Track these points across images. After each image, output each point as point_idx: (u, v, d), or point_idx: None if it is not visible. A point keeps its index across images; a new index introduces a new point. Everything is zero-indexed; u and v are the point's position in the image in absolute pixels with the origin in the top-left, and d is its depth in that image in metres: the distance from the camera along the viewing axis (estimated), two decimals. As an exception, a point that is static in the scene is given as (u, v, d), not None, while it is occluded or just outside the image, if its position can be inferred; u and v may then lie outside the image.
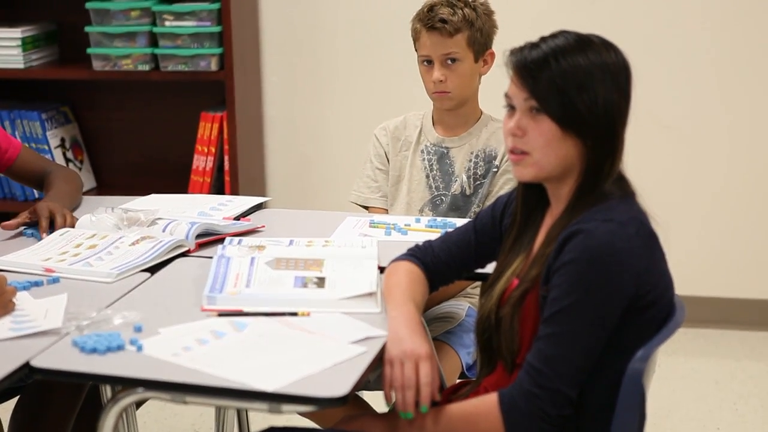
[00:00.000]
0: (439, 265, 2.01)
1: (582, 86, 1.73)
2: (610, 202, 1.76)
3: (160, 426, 3.30)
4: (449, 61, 2.67)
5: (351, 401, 1.69)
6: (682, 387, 3.53)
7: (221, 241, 2.32)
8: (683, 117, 3.88)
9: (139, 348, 1.77)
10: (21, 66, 3.83)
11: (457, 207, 2.70)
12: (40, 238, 2.36)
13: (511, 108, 1.81)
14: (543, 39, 1.79)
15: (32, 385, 2.42)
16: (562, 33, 1.79)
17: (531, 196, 1.89)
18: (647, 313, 1.74)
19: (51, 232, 2.37)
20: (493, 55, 2.72)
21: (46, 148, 3.92)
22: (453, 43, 2.65)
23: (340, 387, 1.64)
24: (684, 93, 3.87)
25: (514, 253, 1.89)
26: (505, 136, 1.82)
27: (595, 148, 1.76)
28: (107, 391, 1.86)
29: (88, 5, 3.76)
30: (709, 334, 3.91)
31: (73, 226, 2.40)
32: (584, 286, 1.69)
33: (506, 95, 1.81)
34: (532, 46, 1.78)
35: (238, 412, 2.71)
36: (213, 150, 3.81)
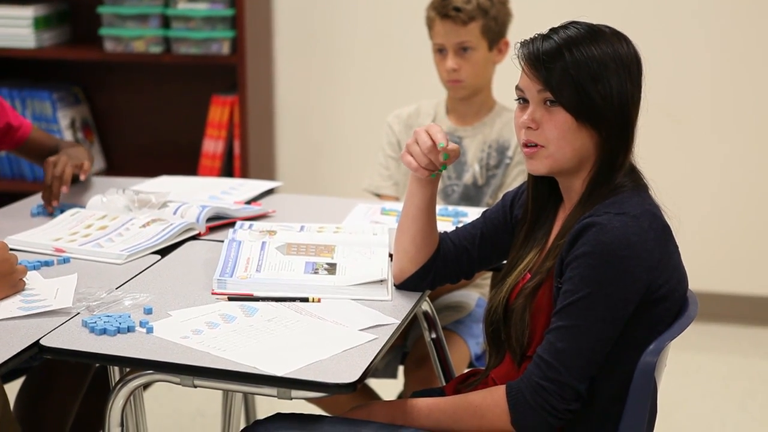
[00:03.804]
0: (450, 254, 1.99)
1: (596, 76, 1.72)
2: (623, 194, 1.75)
3: (165, 409, 3.30)
4: (463, 50, 2.66)
5: (360, 391, 1.68)
6: (690, 383, 3.52)
7: (232, 224, 2.31)
8: (691, 110, 3.86)
9: (150, 330, 1.76)
10: (33, 45, 3.83)
11: (469, 197, 2.69)
12: (47, 213, 2.38)
13: (523, 101, 1.79)
14: (554, 30, 1.78)
15: (38, 367, 2.42)
16: (573, 24, 1.78)
17: (541, 191, 1.88)
18: (660, 307, 1.73)
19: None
20: (507, 44, 2.71)
21: (57, 128, 3.91)
22: (466, 31, 2.65)
23: (350, 373, 1.64)
24: (689, 85, 3.85)
25: (527, 248, 1.87)
26: (518, 130, 1.80)
27: (610, 139, 1.76)
28: (115, 372, 1.85)
29: (101, -14, 3.76)
30: (718, 330, 3.90)
31: (81, 170, 2.44)
32: (597, 280, 1.68)
33: (518, 88, 1.80)
34: (544, 37, 1.77)
35: (245, 397, 2.71)
36: (223, 134, 3.81)
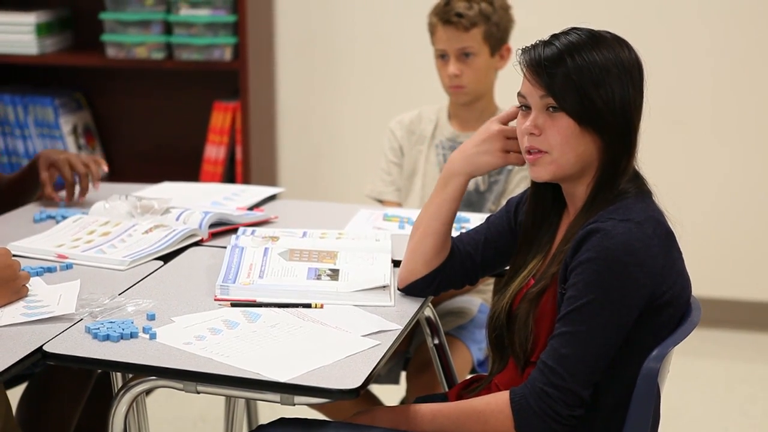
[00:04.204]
0: (455, 260, 1.99)
1: (598, 82, 1.73)
2: (627, 200, 1.75)
3: (167, 415, 3.30)
4: (465, 56, 2.66)
5: (362, 397, 1.69)
6: (691, 388, 3.52)
7: (234, 230, 2.31)
8: (693, 115, 3.86)
9: (153, 336, 1.76)
10: (35, 52, 3.83)
11: (471, 203, 2.69)
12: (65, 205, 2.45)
13: (526, 108, 1.80)
14: (555, 36, 1.78)
15: (40, 373, 2.42)
16: (574, 30, 1.79)
17: (544, 198, 1.88)
18: (664, 313, 1.73)
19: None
20: (509, 49, 2.72)
21: (59, 134, 3.92)
22: (468, 37, 2.65)
23: (353, 379, 1.64)
24: (691, 90, 3.85)
25: (531, 254, 1.88)
26: (520, 137, 1.80)
27: (613, 144, 1.76)
28: (118, 379, 1.85)
29: (103, -8, 3.76)
30: (719, 335, 3.90)
31: (101, 165, 2.52)
32: (601, 286, 1.68)
33: (520, 94, 1.80)
34: (545, 43, 1.77)
35: (248, 403, 2.70)
36: (225, 140, 3.81)
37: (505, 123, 1.91)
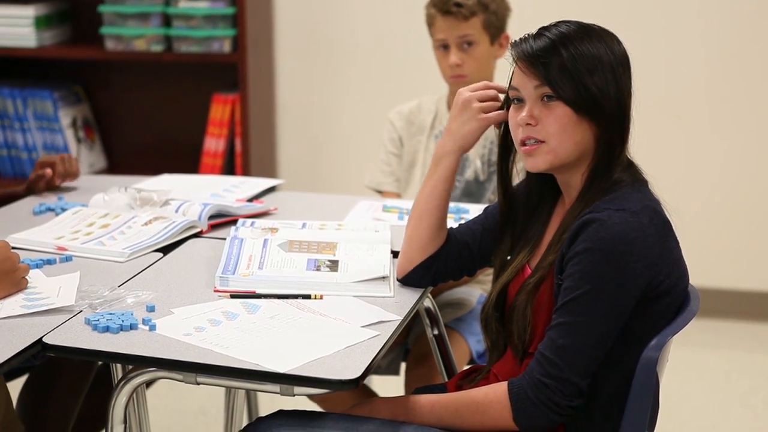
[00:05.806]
0: (452, 251, 1.99)
1: (592, 69, 1.74)
2: (623, 190, 1.76)
3: (168, 407, 3.30)
4: (466, 45, 2.66)
5: (360, 390, 1.69)
6: (692, 379, 3.52)
7: (234, 222, 2.31)
8: (689, 106, 3.86)
9: (152, 327, 1.76)
10: (33, 45, 3.83)
11: (471, 193, 2.69)
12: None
13: (518, 101, 1.80)
14: (545, 28, 1.79)
15: (40, 366, 2.42)
16: (563, 22, 1.80)
17: (535, 188, 1.88)
18: (661, 302, 1.74)
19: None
20: (507, 38, 2.72)
21: (58, 127, 3.92)
22: (469, 26, 2.65)
23: (352, 370, 1.64)
24: (687, 81, 3.85)
25: (520, 246, 1.88)
26: (515, 129, 1.80)
27: (608, 132, 1.77)
28: (118, 370, 1.85)
29: (101, -15, 3.76)
30: (720, 326, 3.90)
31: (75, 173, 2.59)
32: (597, 276, 1.68)
33: (512, 87, 1.80)
34: (536, 35, 1.78)
35: (248, 395, 2.71)
36: (225, 132, 3.81)
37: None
